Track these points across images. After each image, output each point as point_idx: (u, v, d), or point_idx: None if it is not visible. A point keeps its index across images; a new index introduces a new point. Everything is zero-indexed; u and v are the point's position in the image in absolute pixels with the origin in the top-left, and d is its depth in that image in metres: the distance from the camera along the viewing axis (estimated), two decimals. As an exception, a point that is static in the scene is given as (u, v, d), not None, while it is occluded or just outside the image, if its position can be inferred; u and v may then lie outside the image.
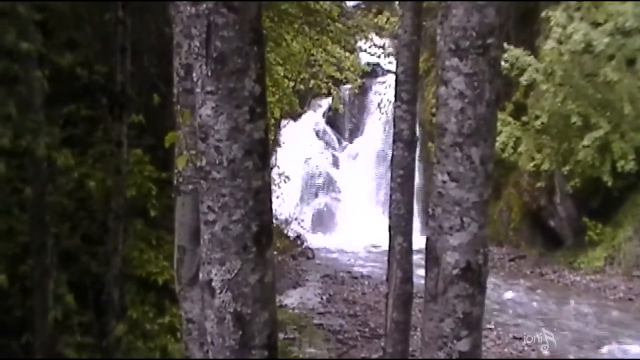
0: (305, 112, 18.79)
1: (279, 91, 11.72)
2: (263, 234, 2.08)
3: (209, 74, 1.99)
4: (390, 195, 4.41)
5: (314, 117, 19.88)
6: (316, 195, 18.43)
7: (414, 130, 4.35)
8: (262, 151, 2.07)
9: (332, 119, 19.78)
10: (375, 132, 18.64)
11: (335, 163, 19.30)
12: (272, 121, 13.03)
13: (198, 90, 2.03)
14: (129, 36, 6.04)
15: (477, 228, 2.23)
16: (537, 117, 12.40)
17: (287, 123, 16.75)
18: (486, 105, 2.20)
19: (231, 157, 2.01)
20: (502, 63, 11.53)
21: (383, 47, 13.78)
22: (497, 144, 12.78)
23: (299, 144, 18.31)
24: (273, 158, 14.22)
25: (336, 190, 18.67)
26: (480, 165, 2.21)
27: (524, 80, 12.06)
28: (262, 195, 2.08)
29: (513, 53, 12.04)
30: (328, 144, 19.68)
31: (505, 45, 11.75)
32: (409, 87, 4.29)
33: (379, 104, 17.02)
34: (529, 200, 14.22)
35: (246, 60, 1.99)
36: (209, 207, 2.05)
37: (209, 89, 1.99)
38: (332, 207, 18.14)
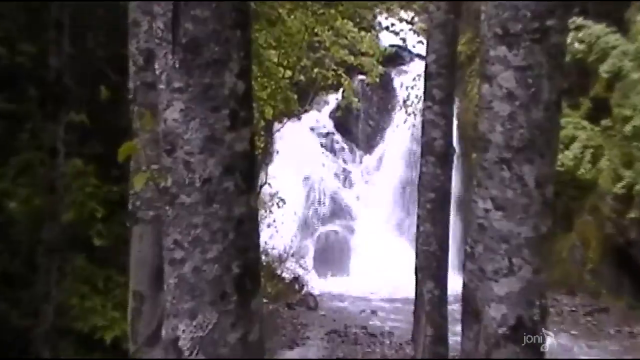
0: (306, 111, 18.83)
1: (271, 84, 11.74)
2: (247, 277, 2.13)
3: (177, 65, 2.04)
4: (418, 227, 4.44)
5: (318, 119, 19.94)
6: (321, 223, 18.44)
7: (449, 140, 4.36)
8: (247, 167, 2.13)
9: (343, 120, 19.83)
10: (399, 139, 18.66)
11: (347, 180, 19.33)
12: (262, 124, 13.07)
13: (162, 86, 2.08)
14: (67, 8, 6.11)
15: (531, 272, 2.26)
16: (625, 119, 12.33)
17: (283, 126, 16.80)
18: (544, 109, 2.23)
19: (206, 176, 2.06)
20: (577, 45, 11.42)
21: (412, 22, 13.81)
22: (569, 157, 12.47)
23: (299, 154, 18.34)
24: (262, 174, 14.24)
25: (347, 216, 18.68)
26: (536, 189, 2.24)
27: (605, 69, 12.02)
28: (247, 226, 2.13)
29: (591, 31, 11.97)
30: (337, 155, 19.72)
31: (580, 20, 11.71)
32: (443, 82, 4.32)
33: (404, 101, 17.03)
34: (614, 232, 14.14)
35: (226, 48, 2.05)
36: (175, 241, 2.10)
37: (176, 85, 2.05)
38: (342, 239, 18.14)
